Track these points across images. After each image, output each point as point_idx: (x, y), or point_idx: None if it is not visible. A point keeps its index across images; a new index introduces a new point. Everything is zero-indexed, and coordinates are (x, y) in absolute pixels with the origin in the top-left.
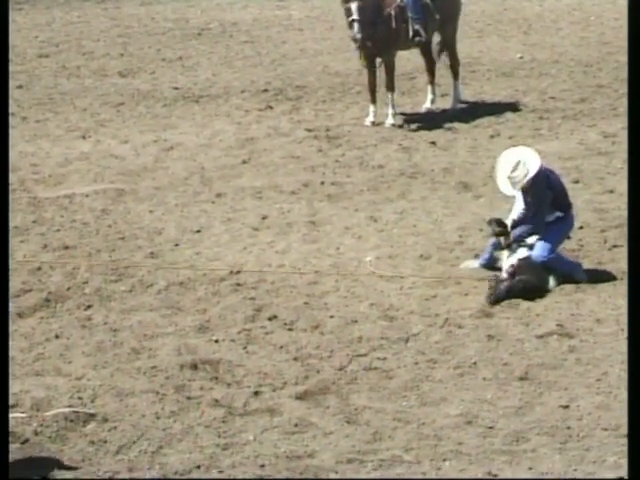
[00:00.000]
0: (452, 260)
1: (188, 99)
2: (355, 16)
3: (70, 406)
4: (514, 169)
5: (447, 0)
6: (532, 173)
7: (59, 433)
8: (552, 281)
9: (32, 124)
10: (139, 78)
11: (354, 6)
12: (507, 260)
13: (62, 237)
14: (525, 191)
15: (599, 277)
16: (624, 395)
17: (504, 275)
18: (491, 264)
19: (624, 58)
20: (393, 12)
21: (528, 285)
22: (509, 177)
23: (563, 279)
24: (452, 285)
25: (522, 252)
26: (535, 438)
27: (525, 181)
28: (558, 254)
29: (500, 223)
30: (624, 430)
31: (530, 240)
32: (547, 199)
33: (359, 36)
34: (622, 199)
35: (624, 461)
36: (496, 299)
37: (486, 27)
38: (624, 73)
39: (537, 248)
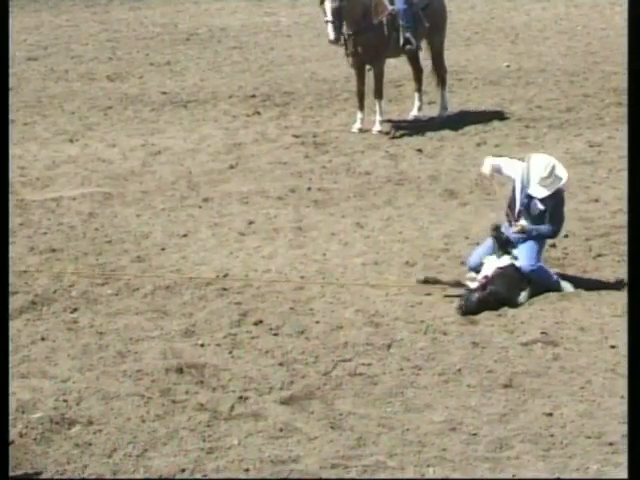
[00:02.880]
0: (437, 267)
1: (176, 104)
2: (329, 17)
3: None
4: (551, 173)
5: (436, 9)
6: (565, 179)
7: (44, 435)
8: (523, 295)
9: (20, 127)
10: (127, 82)
11: (328, 7)
12: (485, 269)
13: (49, 240)
14: (550, 196)
15: (584, 286)
16: (608, 403)
17: (476, 285)
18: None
19: (610, 68)
20: (385, 20)
21: (498, 297)
22: (543, 178)
23: (537, 292)
24: (437, 292)
25: (504, 260)
26: (518, 445)
27: (559, 185)
28: (542, 265)
29: (501, 237)
30: (607, 438)
31: (515, 251)
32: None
33: (332, 37)
34: (607, 208)
35: (607, 469)
36: (466, 311)
37: (473, 36)
38: (610, 83)
39: (523, 257)
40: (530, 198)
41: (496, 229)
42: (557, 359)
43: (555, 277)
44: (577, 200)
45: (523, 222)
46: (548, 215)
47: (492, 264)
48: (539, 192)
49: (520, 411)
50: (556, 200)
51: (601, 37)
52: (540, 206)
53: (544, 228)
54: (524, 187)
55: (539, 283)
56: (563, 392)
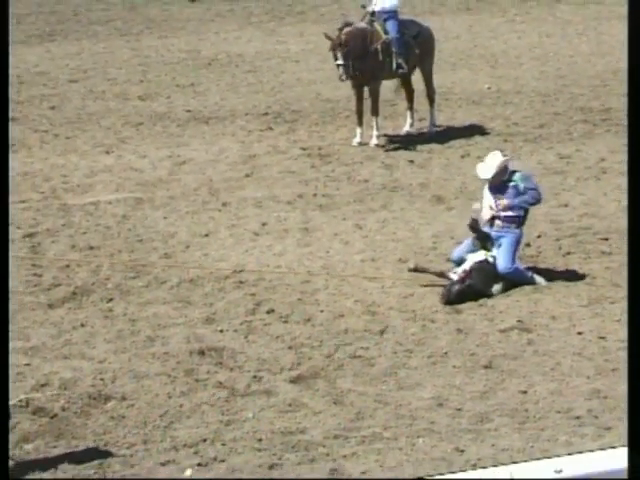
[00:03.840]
0: (427, 263)
1: (199, 120)
2: (340, 61)
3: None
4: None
5: (425, 38)
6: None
7: (83, 409)
8: (497, 288)
9: (63, 140)
10: (156, 101)
11: (339, 54)
12: (466, 263)
13: (88, 239)
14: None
15: (554, 280)
16: (575, 382)
17: (457, 278)
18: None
19: (578, 90)
20: (380, 47)
21: (475, 289)
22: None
23: (512, 285)
24: (427, 285)
25: (479, 255)
26: (497, 419)
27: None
28: (518, 266)
29: (479, 232)
30: (575, 413)
31: (494, 252)
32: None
33: (344, 78)
34: (575, 212)
35: (574, 439)
36: (448, 301)
37: (458, 61)
38: (577, 102)
39: (500, 259)
40: (502, 190)
41: (474, 223)
42: (531, 344)
43: (530, 274)
44: (548, 205)
45: (505, 201)
46: (523, 189)
47: (472, 259)
48: (486, 174)
49: (498, 389)
50: (523, 175)
51: (569, 63)
52: (513, 190)
53: (527, 197)
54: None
55: (513, 281)
56: (536, 373)
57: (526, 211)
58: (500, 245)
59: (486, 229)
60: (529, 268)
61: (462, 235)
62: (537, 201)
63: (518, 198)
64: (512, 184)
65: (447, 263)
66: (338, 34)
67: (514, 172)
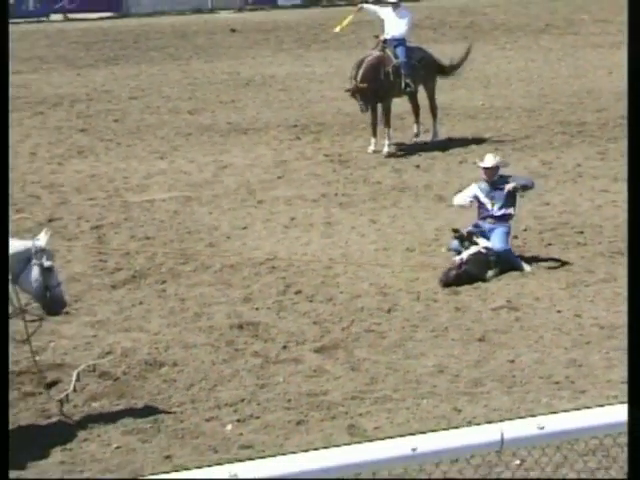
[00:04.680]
0: (430, 252)
1: (238, 131)
2: (360, 102)
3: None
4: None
5: (428, 62)
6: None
7: (141, 374)
8: (490, 273)
9: (124, 148)
10: (203, 115)
11: (358, 97)
12: (463, 253)
13: (145, 231)
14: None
15: (537, 266)
16: (555, 353)
17: (456, 264)
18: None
19: (558, 106)
20: (391, 70)
21: (471, 275)
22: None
23: (502, 271)
24: (430, 271)
25: (474, 249)
26: (489, 384)
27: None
28: (511, 248)
29: (461, 234)
30: (554, 379)
31: (480, 240)
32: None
33: (364, 111)
34: (555, 209)
35: (554, 401)
36: (446, 283)
37: (457, 82)
38: (558, 117)
39: (497, 242)
40: (494, 189)
41: (455, 231)
42: (518, 320)
43: (518, 259)
44: (533, 204)
45: (510, 185)
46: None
47: (464, 253)
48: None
49: (490, 359)
50: (512, 178)
51: (551, 84)
52: (503, 190)
53: (522, 180)
54: (483, 189)
55: (506, 261)
56: (522, 345)
57: (514, 208)
58: (495, 233)
59: (480, 224)
60: (517, 256)
61: (459, 228)
62: (532, 185)
63: (515, 182)
64: (506, 191)
65: (447, 252)
66: (355, 83)
67: (507, 178)
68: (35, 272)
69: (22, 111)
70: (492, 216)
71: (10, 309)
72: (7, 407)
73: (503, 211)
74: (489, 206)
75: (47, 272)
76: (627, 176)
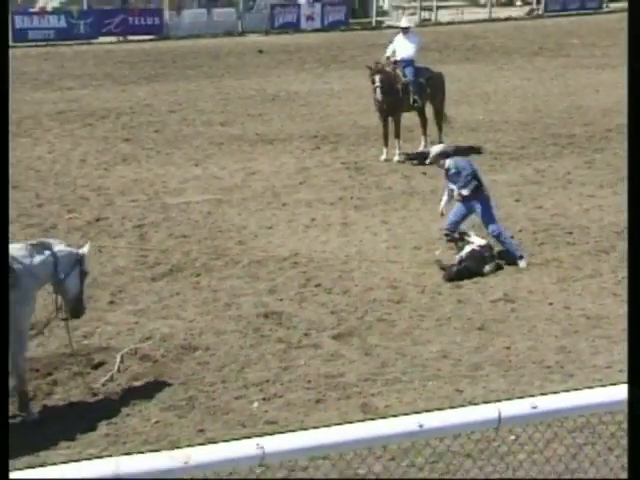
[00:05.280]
0: (435, 250)
1: (265, 141)
2: (378, 84)
3: (150, 338)
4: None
5: (435, 81)
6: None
7: (177, 356)
8: (487, 268)
9: (163, 156)
10: (233, 127)
11: (377, 78)
12: (461, 252)
13: (181, 229)
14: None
15: (531, 263)
16: (546, 341)
17: (455, 261)
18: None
19: (550, 120)
20: (400, 87)
21: (470, 270)
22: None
23: (498, 266)
24: (435, 267)
25: (468, 248)
26: (488, 368)
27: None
28: (500, 225)
29: (452, 236)
30: (546, 363)
31: (473, 239)
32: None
33: (380, 98)
34: (547, 212)
35: (546, 383)
36: (449, 278)
37: (460, 99)
38: (550, 130)
39: (487, 220)
40: (452, 179)
41: (447, 235)
42: (513, 311)
43: (512, 243)
44: (527, 207)
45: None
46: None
47: (465, 250)
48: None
49: (489, 345)
50: (454, 161)
51: (544, 100)
52: (453, 171)
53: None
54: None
55: (503, 242)
56: (517, 333)
57: (478, 179)
58: (477, 212)
59: (460, 204)
60: (511, 241)
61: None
62: (473, 171)
63: (463, 179)
64: (452, 171)
65: (450, 250)
66: (376, 65)
67: (452, 163)
68: (77, 277)
69: (73, 123)
70: (462, 196)
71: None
72: (7, 407)
73: (466, 191)
74: (456, 191)
75: (84, 278)
76: (628, 177)
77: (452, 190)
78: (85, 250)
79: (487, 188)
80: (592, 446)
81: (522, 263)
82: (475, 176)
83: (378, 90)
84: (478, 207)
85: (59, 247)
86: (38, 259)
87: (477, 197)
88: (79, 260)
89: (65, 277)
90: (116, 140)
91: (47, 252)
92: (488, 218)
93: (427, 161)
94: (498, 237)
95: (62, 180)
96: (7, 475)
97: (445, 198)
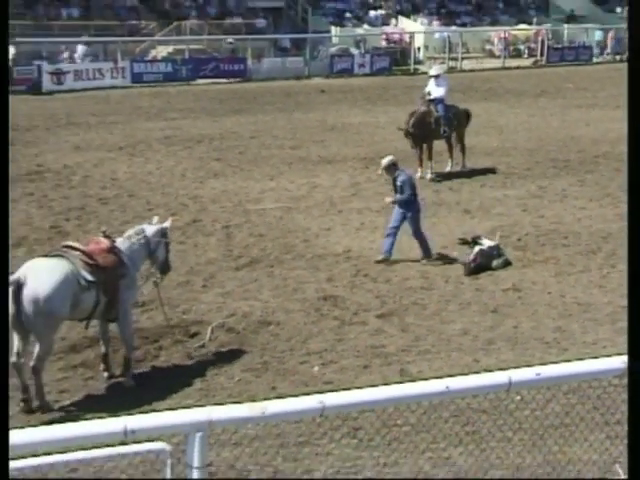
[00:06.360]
0: (460, 249)
1: (325, 162)
2: (412, 121)
3: (230, 317)
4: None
5: (461, 115)
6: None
7: (255, 330)
8: (495, 263)
9: (246, 172)
10: (300, 150)
11: (410, 138)
12: (473, 253)
13: (259, 230)
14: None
15: (535, 261)
16: (545, 321)
17: (471, 259)
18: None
19: (551, 147)
20: (433, 120)
21: (482, 265)
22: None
23: (506, 262)
24: (457, 262)
25: (476, 249)
26: (499, 342)
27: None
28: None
29: (465, 240)
30: (545, 340)
31: (484, 242)
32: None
33: (412, 130)
34: (548, 220)
35: (545, 356)
36: (469, 273)
37: (479, 130)
38: (550, 155)
39: (414, 228)
40: (395, 183)
41: (460, 239)
42: (520, 298)
43: (425, 240)
44: (532, 216)
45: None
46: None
47: (477, 249)
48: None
49: (500, 325)
50: (403, 178)
51: (545, 132)
52: (399, 183)
53: (406, 193)
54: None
55: (420, 242)
56: (523, 315)
57: (414, 191)
58: (408, 218)
59: (397, 209)
60: (425, 240)
61: (478, 232)
62: (413, 190)
63: (406, 193)
64: (399, 184)
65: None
66: (406, 127)
67: (400, 174)
68: (164, 247)
69: (176, 145)
70: (398, 202)
71: (139, 278)
72: (7, 406)
73: (400, 197)
74: (396, 196)
75: (168, 246)
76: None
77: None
78: (167, 224)
79: (420, 201)
80: (582, 405)
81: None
82: (413, 188)
83: (412, 144)
84: (409, 214)
85: (149, 229)
86: (135, 247)
87: (409, 206)
88: (164, 233)
89: (154, 249)
90: (209, 159)
91: (141, 236)
92: (414, 224)
93: (379, 170)
94: (417, 237)
95: (167, 190)
96: (7, 475)
97: (391, 198)
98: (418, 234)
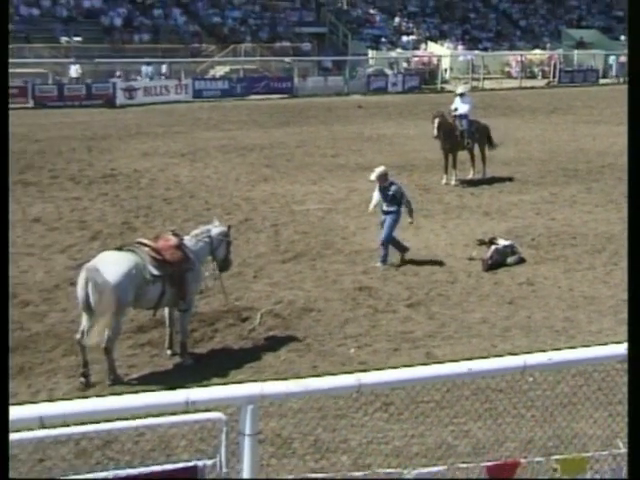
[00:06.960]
0: (479, 247)
1: (361, 169)
2: (436, 124)
3: (280, 302)
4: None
5: (481, 129)
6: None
7: (298, 315)
8: (509, 260)
9: (292, 177)
10: (339, 158)
11: (436, 121)
12: (490, 251)
13: (303, 228)
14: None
15: (547, 258)
16: (555, 312)
17: (488, 256)
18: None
19: (561, 158)
20: (458, 133)
21: (498, 262)
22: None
23: (520, 258)
24: (479, 259)
25: (492, 248)
26: (514, 330)
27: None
28: (395, 237)
29: (483, 241)
30: (554, 328)
31: (500, 241)
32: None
33: (435, 133)
34: (558, 222)
35: (556, 343)
36: (487, 269)
37: (498, 142)
38: (561, 165)
39: (383, 230)
40: (384, 192)
41: (479, 240)
42: (533, 292)
43: (399, 244)
44: (544, 219)
45: (392, 189)
46: (400, 196)
47: (493, 248)
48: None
49: (515, 315)
50: (397, 188)
51: (557, 145)
52: (390, 193)
53: (402, 189)
54: (380, 192)
55: (383, 248)
56: (535, 307)
57: (399, 201)
58: (385, 224)
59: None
60: (397, 241)
61: (499, 232)
62: (402, 199)
63: (391, 198)
64: (391, 193)
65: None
66: (437, 112)
67: (392, 184)
68: (225, 246)
69: (231, 153)
70: (383, 211)
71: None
72: (7, 406)
73: (389, 208)
74: (383, 204)
75: (229, 245)
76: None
77: (380, 201)
78: (226, 227)
79: (402, 211)
80: (587, 386)
81: (379, 264)
82: (401, 197)
83: (435, 130)
84: (386, 220)
85: (214, 230)
86: (200, 245)
87: (390, 213)
88: (226, 234)
89: (217, 248)
90: (260, 166)
91: (205, 236)
92: (386, 230)
93: (371, 177)
94: (388, 243)
95: (223, 192)
96: (7, 475)
97: (374, 202)
98: (388, 240)
